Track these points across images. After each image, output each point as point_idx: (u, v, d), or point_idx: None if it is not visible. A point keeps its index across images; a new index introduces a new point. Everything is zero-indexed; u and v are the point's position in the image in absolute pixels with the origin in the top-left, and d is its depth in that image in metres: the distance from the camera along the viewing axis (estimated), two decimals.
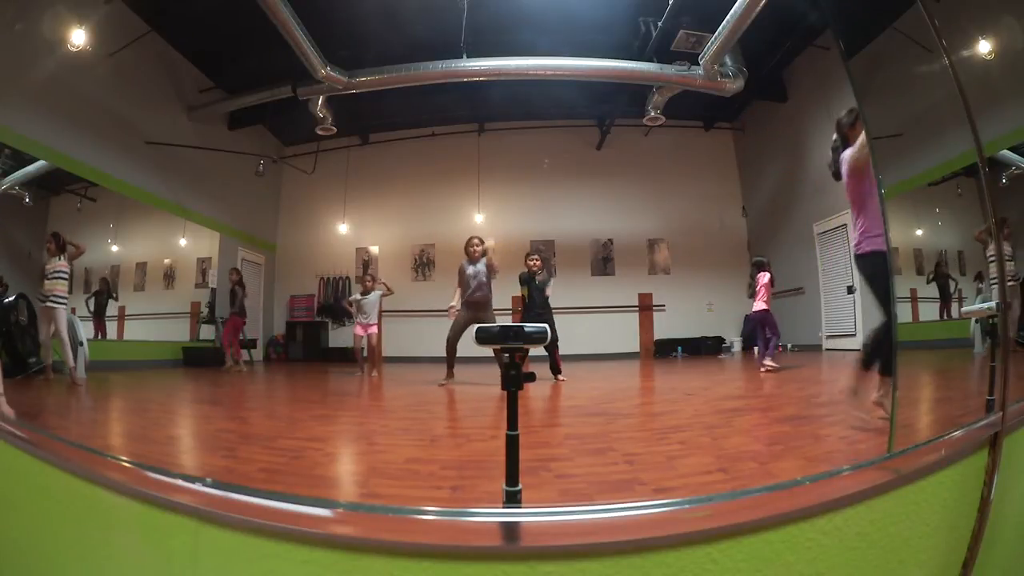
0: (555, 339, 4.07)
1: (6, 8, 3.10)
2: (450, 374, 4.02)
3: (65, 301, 3.55)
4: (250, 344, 5.00)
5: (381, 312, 4.81)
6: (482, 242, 4.37)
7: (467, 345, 4.08)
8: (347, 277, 5.39)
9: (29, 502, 1.43)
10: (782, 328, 5.23)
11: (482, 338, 0.99)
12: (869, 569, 1.11)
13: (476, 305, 4.23)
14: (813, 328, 4.82)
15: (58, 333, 3.47)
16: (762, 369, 4.01)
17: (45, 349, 3.48)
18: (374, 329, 4.75)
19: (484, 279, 4.27)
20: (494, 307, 4.41)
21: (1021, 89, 2.45)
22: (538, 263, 4.48)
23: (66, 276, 3.58)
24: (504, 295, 4.71)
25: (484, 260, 4.30)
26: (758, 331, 4.20)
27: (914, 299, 3.22)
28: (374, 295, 4.84)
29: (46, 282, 3.52)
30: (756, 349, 4.19)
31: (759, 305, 4.29)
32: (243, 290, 4.85)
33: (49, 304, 3.49)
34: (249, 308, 4.96)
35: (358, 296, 4.86)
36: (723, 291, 5.23)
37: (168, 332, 4.52)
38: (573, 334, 4.87)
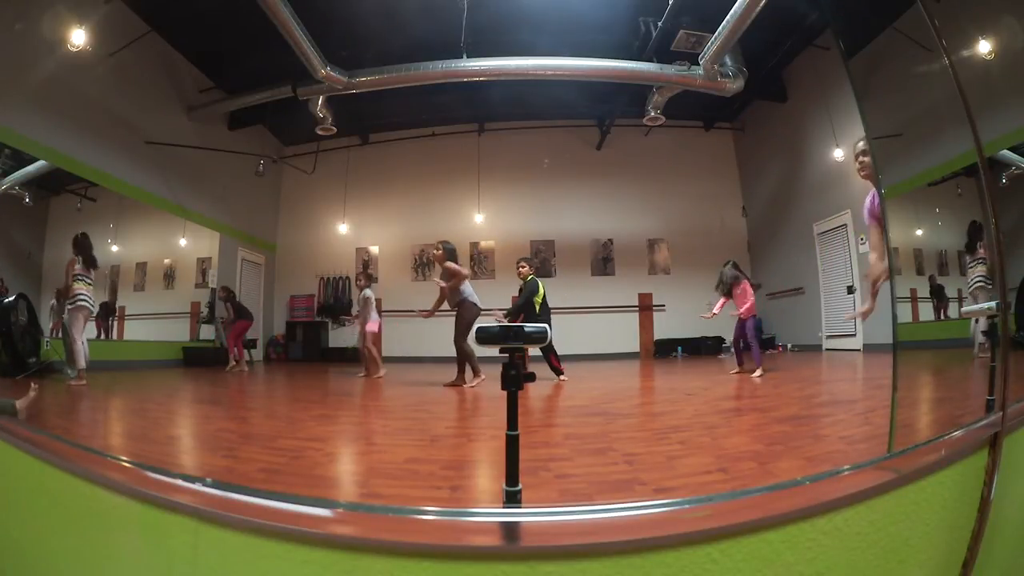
0: (550, 343, 4.04)
1: (6, 8, 3.10)
2: (461, 378, 3.98)
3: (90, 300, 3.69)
4: (250, 344, 5.00)
5: (367, 310, 4.70)
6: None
7: None
8: (347, 277, 5.39)
9: (29, 502, 1.43)
10: (782, 328, 5.24)
11: (482, 338, 1.00)
12: (869, 569, 1.11)
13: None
14: (813, 328, 4.82)
15: (82, 331, 3.59)
16: (758, 374, 4.00)
17: (75, 352, 3.57)
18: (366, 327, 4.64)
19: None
20: (496, 307, 4.45)
21: (1021, 89, 2.45)
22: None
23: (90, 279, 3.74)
24: (505, 296, 4.73)
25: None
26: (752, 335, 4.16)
27: (914, 299, 3.22)
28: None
29: (73, 284, 3.62)
30: (749, 354, 4.15)
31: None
32: (232, 304, 4.82)
33: (80, 303, 3.61)
34: (250, 306, 4.96)
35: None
36: None
37: (168, 332, 4.52)
38: (573, 334, 4.88)
